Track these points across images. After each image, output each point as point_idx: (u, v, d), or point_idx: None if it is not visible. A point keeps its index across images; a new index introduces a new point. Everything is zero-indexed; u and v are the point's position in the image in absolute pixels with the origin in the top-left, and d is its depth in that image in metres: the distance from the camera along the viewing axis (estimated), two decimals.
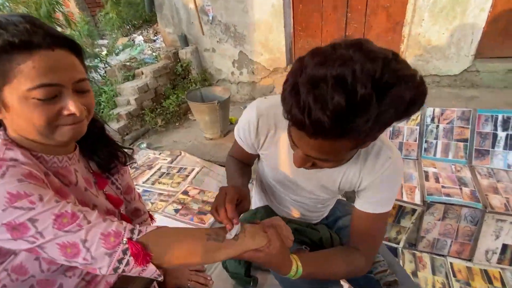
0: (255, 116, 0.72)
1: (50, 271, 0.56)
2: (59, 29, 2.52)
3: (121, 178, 0.77)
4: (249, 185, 0.87)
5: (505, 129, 1.54)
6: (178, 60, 2.84)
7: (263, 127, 0.73)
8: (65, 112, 0.50)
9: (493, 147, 1.56)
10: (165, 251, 0.53)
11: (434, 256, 1.49)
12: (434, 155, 1.66)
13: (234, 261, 1.06)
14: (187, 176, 1.77)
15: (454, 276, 1.39)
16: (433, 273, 1.42)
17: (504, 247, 1.37)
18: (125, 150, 0.77)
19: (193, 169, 1.83)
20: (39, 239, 0.46)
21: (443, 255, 1.49)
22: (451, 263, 1.45)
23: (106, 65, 3.38)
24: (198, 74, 2.89)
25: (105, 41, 5.47)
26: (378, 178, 0.65)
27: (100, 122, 0.72)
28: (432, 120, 1.68)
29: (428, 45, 1.95)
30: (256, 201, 1.05)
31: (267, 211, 0.94)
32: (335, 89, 0.40)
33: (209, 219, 1.44)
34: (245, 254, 0.57)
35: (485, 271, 1.40)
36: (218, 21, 2.58)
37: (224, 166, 1.84)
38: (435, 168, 1.59)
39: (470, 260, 1.45)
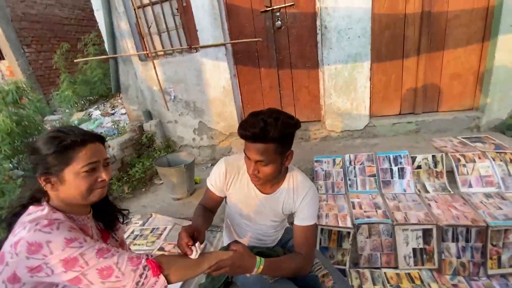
0: (224, 167, 1.14)
1: None
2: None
3: (117, 233, 1.05)
4: (215, 233, 1.22)
5: (396, 164, 2.20)
6: (143, 131, 3.18)
7: (230, 173, 1.15)
8: (99, 179, 0.81)
9: (392, 178, 2.18)
10: (170, 266, 0.80)
11: (372, 269, 1.88)
12: (356, 188, 2.21)
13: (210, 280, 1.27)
14: (161, 234, 1.95)
15: (389, 283, 1.77)
16: (374, 284, 1.79)
17: (414, 251, 1.84)
18: (123, 211, 1.07)
19: (165, 227, 2.02)
20: (84, 267, 0.69)
21: (378, 268, 1.89)
22: (385, 273, 1.84)
23: None
24: (162, 142, 3.23)
25: (56, 116, 5.53)
26: (304, 201, 1.09)
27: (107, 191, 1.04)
28: (350, 163, 2.29)
29: (338, 111, 2.69)
30: (225, 239, 1.36)
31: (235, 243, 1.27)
32: (259, 121, 0.93)
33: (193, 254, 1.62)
34: (221, 263, 0.86)
35: (409, 274, 1.81)
36: (179, 99, 3.10)
37: None
38: (358, 198, 2.11)
39: (396, 267, 1.87)
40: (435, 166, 2.15)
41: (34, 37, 5.90)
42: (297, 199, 1.11)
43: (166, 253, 1.75)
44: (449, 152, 2.18)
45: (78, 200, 0.80)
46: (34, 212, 0.76)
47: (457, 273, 1.74)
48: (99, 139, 0.84)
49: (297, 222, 1.11)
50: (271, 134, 0.92)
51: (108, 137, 3.96)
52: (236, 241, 1.24)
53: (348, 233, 1.86)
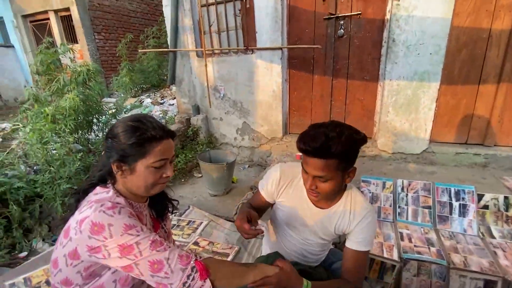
0: (279, 173, 1.10)
1: None
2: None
3: (166, 224, 1.05)
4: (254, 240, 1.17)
5: (457, 199, 1.96)
6: (190, 125, 3.29)
7: (284, 181, 1.10)
8: (164, 175, 0.81)
9: (450, 213, 1.94)
10: (216, 271, 0.76)
11: None
12: (406, 218, 2.00)
13: None
14: (196, 228, 1.97)
15: None
16: None
17: None
18: (173, 202, 1.07)
19: (201, 222, 2.04)
20: (138, 257, 0.68)
21: None
22: None
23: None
24: (205, 137, 3.31)
25: (112, 99, 6.02)
26: (362, 224, 1.00)
27: None
28: (402, 189, 2.09)
29: (394, 130, 2.49)
30: (265, 247, 1.31)
31: (276, 255, 1.20)
32: (320, 134, 0.87)
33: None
34: (267, 279, 0.81)
35: None
36: (228, 98, 3.15)
37: (229, 221, 2.08)
38: (408, 230, 1.92)
39: None
40: (507, 209, 1.87)
41: (104, 26, 6.51)
42: (354, 220, 1.01)
43: (200, 249, 1.76)
44: None
45: (142, 191, 0.81)
46: (100, 192, 0.78)
47: None
48: (172, 135, 0.83)
49: (350, 245, 1.01)
50: (334, 150, 0.85)
51: None
52: (280, 257, 1.18)
53: (393, 266, 1.69)
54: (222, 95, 3.15)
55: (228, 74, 3.05)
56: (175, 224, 2.04)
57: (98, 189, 0.80)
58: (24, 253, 2.02)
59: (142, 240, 0.69)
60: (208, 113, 3.34)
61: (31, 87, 2.92)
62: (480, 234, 1.84)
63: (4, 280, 1.44)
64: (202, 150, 3.05)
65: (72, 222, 0.71)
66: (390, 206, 2.06)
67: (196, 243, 1.81)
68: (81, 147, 2.91)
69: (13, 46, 7.05)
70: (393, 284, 1.74)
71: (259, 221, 0.92)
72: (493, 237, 1.82)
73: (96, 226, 0.66)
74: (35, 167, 2.58)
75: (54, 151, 2.47)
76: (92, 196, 0.77)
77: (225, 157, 2.72)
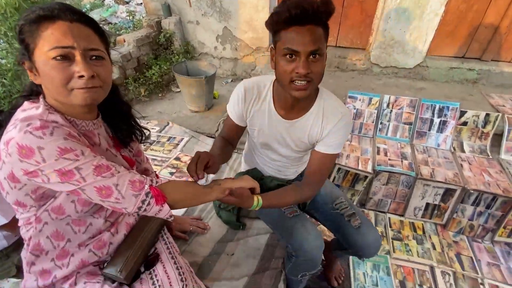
0: (243, 90, 0.97)
1: (82, 212, 0.71)
2: None
3: (131, 144, 0.94)
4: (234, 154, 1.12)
5: (439, 116, 1.96)
6: (161, 29, 2.82)
7: (248, 97, 0.98)
8: (76, 74, 0.60)
9: (429, 130, 1.98)
10: (175, 195, 0.71)
11: (377, 212, 1.92)
12: (386, 134, 2.04)
13: (226, 211, 1.32)
14: (177, 144, 1.94)
15: (390, 227, 1.82)
16: (375, 225, 1.85)
17: (427, 205, 1.82)
18: (144, 130, 0.93)
19: (182, 139, 2.00)
20: (82, 183, 0.60)
21: (384, 212, 1.93)
22: (389, 218, 1.89)
23: None
24: (181, 46, 2.91)
25: None
26: (335, 127, 0.92)
27: (128, 105, 0.87)
28: (388, 105, 2.04)
29: (391, 40, 2.25)
30: (244, 165, 1.30)
31: (254, 171, 1.20)
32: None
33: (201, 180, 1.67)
34: (224, 197, 0.80)
35: (412, 223, 1.85)
36: None
37: (210, 137, 2.05)
38: (385, 144, 1.98)
39: (402, 216, 1.89)
40: (484, 125, 1.91)
41: None
42: (327, 125, 0.92)
43: (182, 164, 1.77)
44: (507, 113, 1.89)
45: (60, 98, 0.63)
46: (28, 108, 0.63)
47: (462, 233, 1.76)
48: (83, 19, 0.62)
49: (318, 148, 0.96)
50: (322, 10, 0.74)
51: (122, 30, 3.60)
52: (259, 173, 1.18)
53: (365, 177, 1.81)
54: None
55: None
56: (154, 140, 1.99)
57: (26, 104, 0.64)
58: None
59: (84, 165, 0.60)
60: (181, 14, 2.83)
61: None
62: (452, 149, 1.93)
63: None
64: (178, 61, 2.73)
65: (0, 143, 0.59)
66: (373, 122, 2.06)
67: (177, 159, 1.81)
68: None
69: None
70: (362, 191, 1.91)
71: (207, 175, 0.84)
72: (463, 151, 1.92)
73: (23, 149, 0.55)
74: None
75: (2, 60, 2.11)
76: (19, 113, 0.62)
77: (205, 70, 2.46)
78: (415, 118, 1.99)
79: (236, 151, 1.83)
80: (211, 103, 2.51)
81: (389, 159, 1.85)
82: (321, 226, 1.23)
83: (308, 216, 1.20)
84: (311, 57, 0.76)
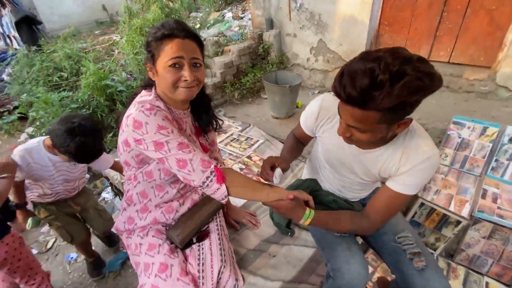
0: (318, 107, 0.97)
1: (164, 180, 0.92)
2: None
3: (209, 134, 1.12)
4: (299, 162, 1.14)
5: None
6: (261, 41, 3.12)
7: (322, 115, 0.97)
8: (183, 78, 0.81)
9: None
10: (233, 180, 0.82)
11: (470, 271, 1.51)
12: (502, 176, 1.58)
13: (279, 215, 1.35)
14: (252, 145, 2.11)
15: None
16: (464, 286, 1.46)
17: None
18: (219, 121, 1.11)
19: (257, 140, 2.16)
20: (168, 153, 0.78)
21: (480, 273, 1.50)
22: (487, 283, 1.46)
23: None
24: (276, 56, 3.13)
25: (199, 14, 6.12)
26: (415, 168, 0.80)
27: (209, 98, 1.07)
28: (510, 140, 1.58)
29: None
30: (306, 174, 1.30)
31: (312, 182, 1.19)
32: (364, 74, 0.60)
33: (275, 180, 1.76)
34: (274, 202, 0.84)
35: None
36: (304, 9, 2.72)
37: (283, 143, 2.11)
38: (498, 188, 1.53)
39: (509, 286, 1.43)
40: None
41: None
42: (406, 162, 0.81)
43: (251, 162, 1.92)
44: None
45: (168, 93, 0.85)
46: (144, 95, 0.88)
47: None
48: (191, 36, 0.81)
49: (390, 184, 0.86)
50: (378, 103, 0.60)
51: (232, 42, 4.17)
52: (318, 185, 1.16)
53: (458, 222, 1.47)
54: (298, 5, 2.73)
55: None
56: (235, 138, 2.23)
57: (143, 92, 0.91)
58: None
59: (172, 140, 0.79)
60: (282, 27, 3.04)
61: (127, 0, 3.21)
62: None
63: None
64: (270, 70, 2.94)
65: (124, 117, 0.85)
66: (484, 157, 1.64)
67: (249, 157, 1.97)
68: None
69: None
70: (451, 239, 1.54)
71: (276, 172, 0.94)
72: None
73: (136, 123, 0.78)
74: (134, 75, 3.09)
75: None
76: (137, 98, 0.88)
77: (292, 80, 2.57)
78: None
79: (302, 159, 1.83)
80: (292, 112, 2.58)
81: (498, 207, 1.43)
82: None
83: (361, 242, 1.10)
84: (353, 128, 0.74)
